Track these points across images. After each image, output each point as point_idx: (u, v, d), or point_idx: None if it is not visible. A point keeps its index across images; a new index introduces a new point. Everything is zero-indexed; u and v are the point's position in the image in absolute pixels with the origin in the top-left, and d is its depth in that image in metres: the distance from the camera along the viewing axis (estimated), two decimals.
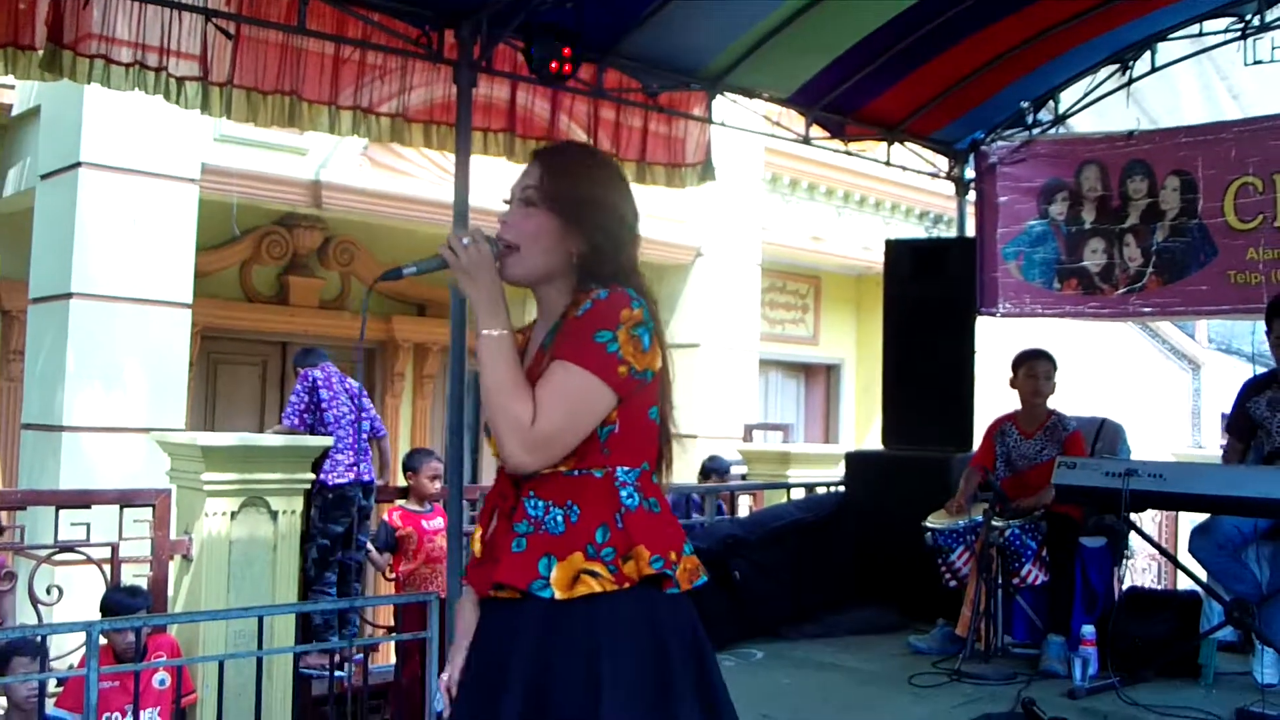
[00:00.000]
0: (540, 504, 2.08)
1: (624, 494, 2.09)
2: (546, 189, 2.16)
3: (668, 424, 2.23)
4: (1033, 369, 5.77)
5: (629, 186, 2.29)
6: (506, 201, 2.24)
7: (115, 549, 5.63)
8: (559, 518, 2.07)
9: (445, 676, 2.25)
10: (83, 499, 5.82)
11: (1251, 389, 5.24)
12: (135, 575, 5.87)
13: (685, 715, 2.04)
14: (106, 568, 5.61)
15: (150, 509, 5.88)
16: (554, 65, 5.16)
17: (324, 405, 6.81)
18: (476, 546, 2.20)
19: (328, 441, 6.50)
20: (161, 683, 5.25)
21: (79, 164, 7.32)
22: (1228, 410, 5.41)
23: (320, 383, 6.86)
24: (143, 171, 7.51)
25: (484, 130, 5.70)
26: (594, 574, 2.03)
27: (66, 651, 5.50)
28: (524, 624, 2.05)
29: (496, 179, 8.46)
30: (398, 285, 10.06)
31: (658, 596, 2.08)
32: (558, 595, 2.02)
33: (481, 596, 2.18)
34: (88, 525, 5.60)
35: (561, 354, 2.05)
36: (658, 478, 2.20)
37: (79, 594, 5.68)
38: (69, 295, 7.28)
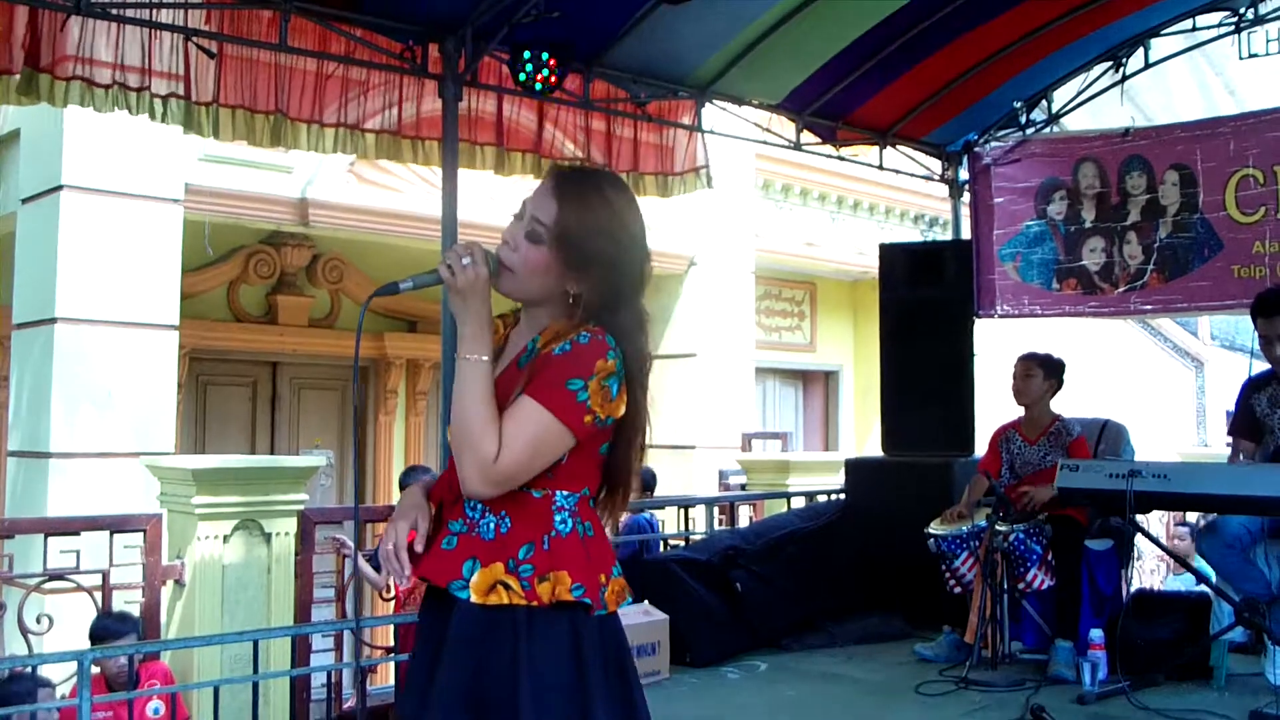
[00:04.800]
0: (478, 507, 2.12)
1: (558, 519, 2.12)
2: (556, 232, 2.11)
3: (630, 460, 2.24)
4: (1016, 370, 5.72)
5: (641, 223, 2.22)
6: (516, 216, 2.19)
7: (106, 576, 5.57)
8: (491, 525, 2.11)
9: (389, 546, 2.15)
10: (72, 526, 5.74)
11: (1251, 387, 5.16)
12: (127, 602, 5.80)
13: None
14: (98, 595, 5.54)
15: (141, 534, 5.81)
16: (540, 77, 5.12)
17: None
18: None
19: (318, 461, 6.41)
20: (156, 710, 5.20)
21: (60, 187, 7.24)
22: (1233, 409, 5.33)
23: None
24: (125, 193, 7.43)
25: (471, 143, 5.64)
26: (508, 586, 2.07)
27: (58, 681, 5.41)
28: (459, 624, 2.08)
29: (485, 192, 8.43)
30: (389, 301, 10.00)
31: (578, 615, 2.10)
32: (473, 598, 2.07)
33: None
34: (77, 552, 5.55)
35: (533, 393, 2.06)
36: (595, 503, 2.21)
37: (70, 623, 5.60)
38: (53, 320, 7.20)
